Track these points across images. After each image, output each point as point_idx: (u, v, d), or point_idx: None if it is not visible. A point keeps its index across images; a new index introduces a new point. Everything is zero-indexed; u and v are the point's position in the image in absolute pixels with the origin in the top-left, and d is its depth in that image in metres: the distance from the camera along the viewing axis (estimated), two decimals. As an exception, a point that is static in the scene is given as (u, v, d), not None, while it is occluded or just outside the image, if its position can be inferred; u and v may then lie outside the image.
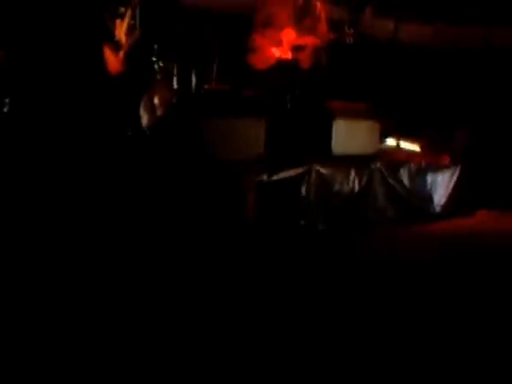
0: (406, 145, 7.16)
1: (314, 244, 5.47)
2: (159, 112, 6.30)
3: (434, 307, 4.13)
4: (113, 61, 6.15)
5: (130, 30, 6.32)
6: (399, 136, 7.22)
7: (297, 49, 6.32)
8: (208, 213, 5.14)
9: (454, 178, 6.59)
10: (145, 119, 6.26)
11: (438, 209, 6.54)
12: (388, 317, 3.92)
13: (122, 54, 6.20)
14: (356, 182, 5.97)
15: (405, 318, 3.91)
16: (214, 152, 5.37)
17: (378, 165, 6.15)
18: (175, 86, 6.57)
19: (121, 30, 6.22)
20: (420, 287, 4.51)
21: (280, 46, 6.31)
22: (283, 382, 3.05)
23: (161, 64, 6.44)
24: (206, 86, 6.71)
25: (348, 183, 5.93)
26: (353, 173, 5.95)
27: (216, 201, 5.22)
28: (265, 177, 5.46)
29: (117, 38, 6.18)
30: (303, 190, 5.66)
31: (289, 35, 6.32)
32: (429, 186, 6.50)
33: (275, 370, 3.12)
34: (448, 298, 4.31)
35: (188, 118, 5.63)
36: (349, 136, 6.13)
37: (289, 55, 6.33)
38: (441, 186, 6.54)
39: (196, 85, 6.65)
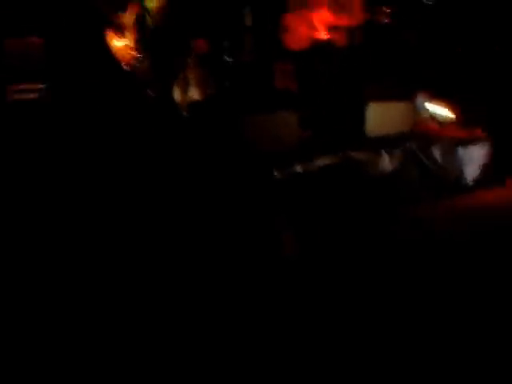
0: (442, 112, 7.25)
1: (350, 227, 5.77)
2: (195, 94, 6.51)
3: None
4: (118, 47, 6.23)
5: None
6: (434, 102, 7.30)
7: (331, 29, 6.42)
8: (246, 202, 5.44)
9: (487, 150, 6.75)
10: (179, 98, 6.46)
11: (470, 182, 6.73)
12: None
13: (130, 38, 6.27)
14: (389, 164, 6.19)
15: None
16: (250, 146, 5.64)
17: (411, 145, 6.34)
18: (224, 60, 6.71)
19: (127, 16, 6.27)
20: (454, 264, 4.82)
21: (312, 26, 6.42)
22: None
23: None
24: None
25: (382, 166, 6.16)
26: (386, 156, 6.17)
27: (252, 192, 5.51)
28: (299, 167, 5.73)
29: (120, 22, 6.23)
30: (339, 176, 5.92)
31: (323, 16, 6.42)
32: (461, 161, 6.66)
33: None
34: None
35: (226, 113, 5.88)
36: (383, 118, 6.31)
37: (323, 36, 6.45)
38: (473, 159, 6.70)
39: (229, 61, 6.80)
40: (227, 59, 6.81)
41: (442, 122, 7.15)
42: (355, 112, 6.25)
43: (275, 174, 5.54)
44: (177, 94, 6.44)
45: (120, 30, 6.24)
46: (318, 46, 6.45)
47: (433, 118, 7.26)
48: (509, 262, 4.87)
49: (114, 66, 6.10)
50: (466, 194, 6.62)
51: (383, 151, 6.14)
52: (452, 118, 7.21)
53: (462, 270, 4.72)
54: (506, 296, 4.37)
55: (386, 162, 6.17)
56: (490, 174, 6.80)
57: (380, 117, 6.29)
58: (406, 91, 6.56)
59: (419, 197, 6.42)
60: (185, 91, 6.49)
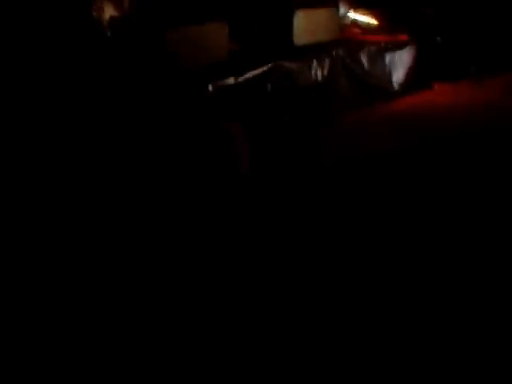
0: (364, 19, 7.21)
1: (280, 138, 5.71)
2: (113, 9, 6.20)
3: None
4: None
5: None
6: (357, 9, 7.25)
7: None
8: (177, 121, 5.28)
9: (412, 54, 6.78)
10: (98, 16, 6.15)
11: (397, 87, 6.76)
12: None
13: None
14: (319, 72, 6.13)
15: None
16: (178, 61, 5.43)
17: (339, 51, 6.28)
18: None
19: None
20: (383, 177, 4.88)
21: None
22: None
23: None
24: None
25: (311, 74, 6.09)
26: (315, 64, 6.09)
27: (183, 109, 5.34)
28: (231, 79, 5.59)
29: None
30: (269, 87, 5.82)
31: None
32: (388, 66, 6.68)
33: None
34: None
35: (149, 26, 5.62)
36: (310, 26, 6.19)
37: None
38: (399, 64, 6.74)
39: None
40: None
41: (365, 29, 7.12)
42: (283, 20, 6.10)
43: (209, 88, 5.38)
44: (95, 11, 6.11)
45: None
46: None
47: (355, 24, 7.22)
48: (434, 166, 5.00)
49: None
50: (393, 99, 6.68)
51: (314, 59, 6.05)
52: (375, 24, 7.18)
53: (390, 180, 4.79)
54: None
55: (315, 70, 6.10)
56: (417, 78, 6.86)
57: (307, 24, 6.17)
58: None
59: (348, 105, 6.42)
60: (102, 7, 6.17)
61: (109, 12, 6.20)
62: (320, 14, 6.29)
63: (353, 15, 7.20)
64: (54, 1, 5.90)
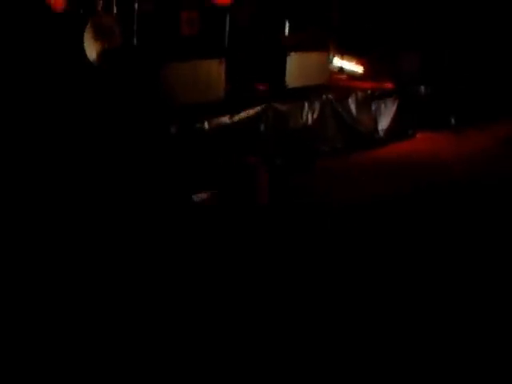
0: (350, 66, 7.31)
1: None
2: (106, 43, 6.15)
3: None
4: None
5: None
6: (343, 56, 7.35)
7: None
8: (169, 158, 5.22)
9: (397, 103, 6.90)
10: (90, 50, 6.09)
11: (382, 134, 6.85)
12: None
13: None
14: (309, 115, 6.17)
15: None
16: (174, 97, 5.40)
17: (329, 96, 6.35)
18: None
19: None
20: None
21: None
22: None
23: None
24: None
25: (302, 117, 6.13)
26: (306, 106, 6.14)
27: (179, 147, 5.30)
28: (227, 118, 5.58)
29: None
30: (262, 127, 5.84)
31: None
32: (374, 113, 6.78)
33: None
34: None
35: (145, 61, 5.59)
36: (302, 68, 6.25)
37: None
38: (385, 112, 6.85)
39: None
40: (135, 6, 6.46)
41: (351, 75, 7.22)
42: (276, 62, 6.15)
43: (205, 125, 5.35)
44: (87, 44, 6.05)
45: None
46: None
47: (341, 71, 7.32)
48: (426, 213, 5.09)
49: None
50: (378, 146, 6.76)
51: (305, 102, 6.10)
52: (360, 72, 7.29)
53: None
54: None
55: (306, 113, 6.15)
56: (401, 126, 6.97)
57: (300, 67, 6.23)
58: (321, 41, 6.52)
59: (335, 149, 6.47)
60: (95, 40, 6.11)
61: (98, 45, 6.17)
62: (312, 58, 6.37)
63: (339, 62, 7.31)
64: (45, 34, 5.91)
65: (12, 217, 4.32)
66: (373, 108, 6.76)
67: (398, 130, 6.93)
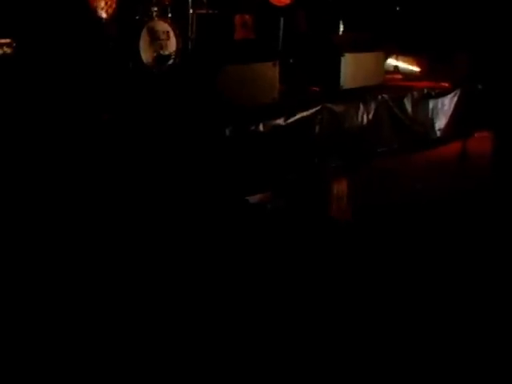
0: (406, 66, 7.25)
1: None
2: (160, 47, 6.22)
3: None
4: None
5: None
6: (398, 56, 7.29)
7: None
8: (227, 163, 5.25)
9: (454, 102, 6.80)
10: (146, 55, 6.18)
11: (439, 134, 6.77)
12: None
13: None
14: (364, 115, 6.14)
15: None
16: (229, 99, 5.44)
17: (385, 96, 6.30)
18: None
19: None
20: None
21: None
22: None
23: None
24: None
25: (357, 118, 6.10)
26: (361, 107, 6.11)
27: (234, 149, 5.33)
28: (281, 120, 5.59)
29: None
30: (317, 128, 5.83)
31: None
32: (431, 113, 6.70)
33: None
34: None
35: (202, 65, 5.65)
36: (357, 69, 6.23)
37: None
38: (442, 111, 6.76)
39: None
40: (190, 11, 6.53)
41: (406, 75, 7.16)
42: (331, 63, 6.14)
43: (260, 127, 5.37)
44: (142, 49, 6.14)
45: None
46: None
47: (397, 71, 7.27)
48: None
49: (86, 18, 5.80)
50: (435, 146, 6.68)
51: (360, 103, 6.07)
52: (417, 72, 7.22)
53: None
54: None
55: (362, 114, 6.12)
56: (458, 125, 6.87)
57: (354, 68, 6.21)
58: (376, 42, 6.48)
59: (390, 150, 6.42)
60: (150, 44, 6.20)
61: (153, 49, 6.26)
62: (367, 58, 6.34)
63: (394, 62, 7.25)
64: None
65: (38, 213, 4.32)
66: (429, 107, 6.68)
67: (456, 129, 6.83)
